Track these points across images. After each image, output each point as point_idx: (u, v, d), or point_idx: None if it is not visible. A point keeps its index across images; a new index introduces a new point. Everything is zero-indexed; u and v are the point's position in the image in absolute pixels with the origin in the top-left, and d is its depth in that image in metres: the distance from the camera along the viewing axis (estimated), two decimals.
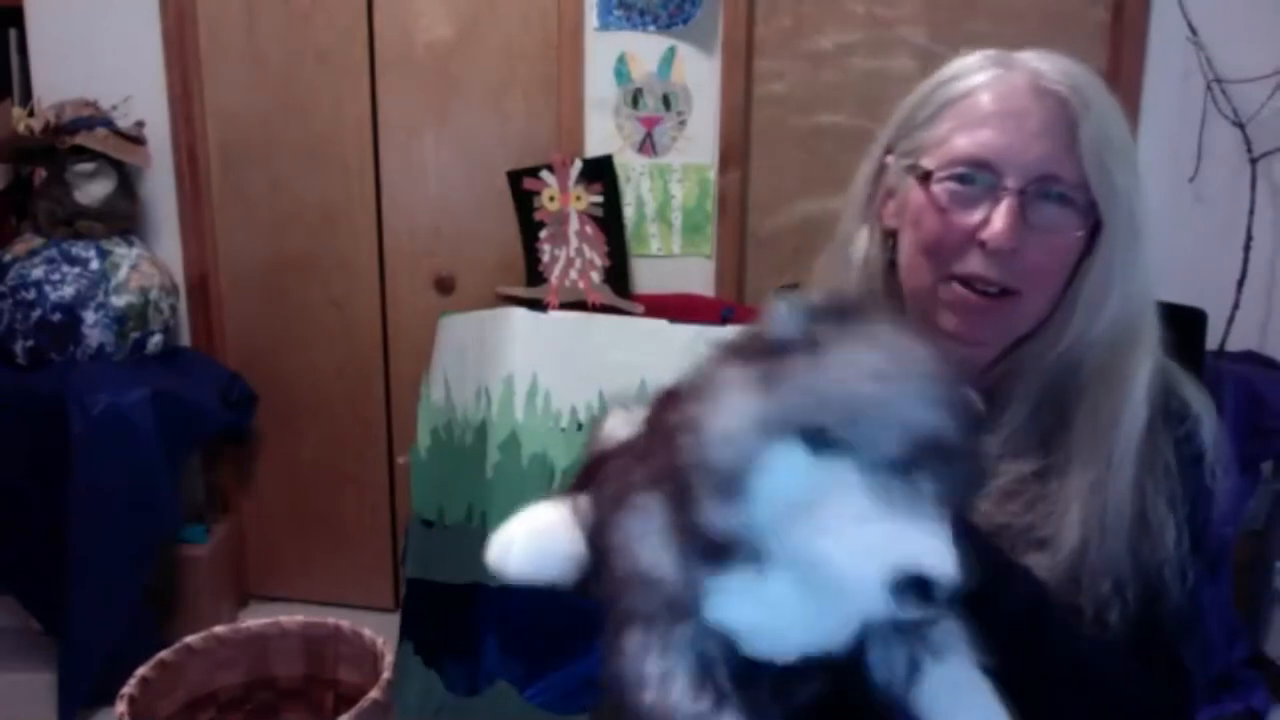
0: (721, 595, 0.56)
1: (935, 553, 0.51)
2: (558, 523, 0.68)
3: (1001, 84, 0.84)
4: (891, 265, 0.91)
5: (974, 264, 0.83)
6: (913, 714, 0.61)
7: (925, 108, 0.88)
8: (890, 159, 0.91)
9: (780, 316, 0.56)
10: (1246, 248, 2.35)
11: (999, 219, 0.81)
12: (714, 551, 0.55)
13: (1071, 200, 0.81)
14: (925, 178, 0.85)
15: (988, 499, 0.82)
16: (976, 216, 0.83)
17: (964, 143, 0.84)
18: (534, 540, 0.70)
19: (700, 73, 2.53)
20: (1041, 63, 0.84)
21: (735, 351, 0.57)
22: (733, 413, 0.54)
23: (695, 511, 0.55)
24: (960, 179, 0.83)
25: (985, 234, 0.82)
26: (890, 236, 0.91)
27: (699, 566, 0.56)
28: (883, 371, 0.53)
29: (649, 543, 0.58)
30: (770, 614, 0.56)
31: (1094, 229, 0.83)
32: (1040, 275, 0.83)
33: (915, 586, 0.50)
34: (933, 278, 0.86)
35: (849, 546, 0.51)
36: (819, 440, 0.52)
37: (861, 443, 0.52)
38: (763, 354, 0.55)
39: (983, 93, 0.84)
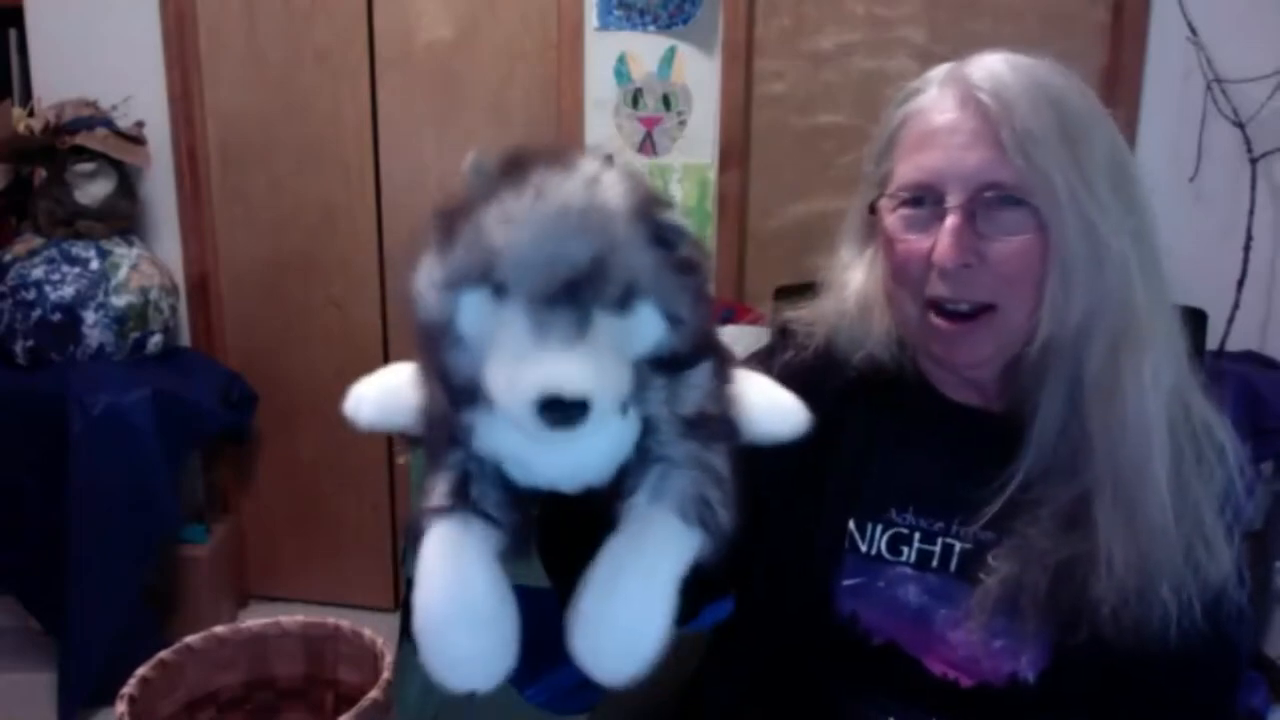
0: (476, 430, 0.62)
1: (564, 371, 0.54)
2: (407, 379, 0.71)
3: (933, 104, 0.85)
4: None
5: (937, 287, 0.83)
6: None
7: (880, 139, 0.90)
8: (866, 190, 0.92)
9: (467, 174, 0.61)
10: (1246, 248, 2.35)
11: (943, 239, 0.81)
12: (461, 394, 0.61)
13: (1020, 201, 0.81)
14: (884, 207, 0.87)
15: (1045, 534, 0.81)
16: (928, 240, 0.83)
17: (906, 170, 0.85)
18: (384, 395, 0.75)
19: (700, 73, 2.53)
20: (978, 70, 0.84)
21: (436, 214, 0.62)
22: (423, 278, 0.61)
23: (435, 362, 0.62)
24: (909, 203, 0.85)
25: (935, 255, 0.82)
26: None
27: (458, 407, 0.62)
28: (524, 212, 0.57)
29: (431, 392, 0.65)
30: (509, 444, 0.61)
31: (1044, 228, 0.81)
32: (1010, 282, 0.82)
33: (558, 408, 0.54)
34: (910, 305, 0.86)
35: (502, 380, 0.56)
36: (493, 282, 0.57)
37: (518, 284, 0.56)
38: (454, 213, 0.61)
39: (918, 116, 0.86)
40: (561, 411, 0.54)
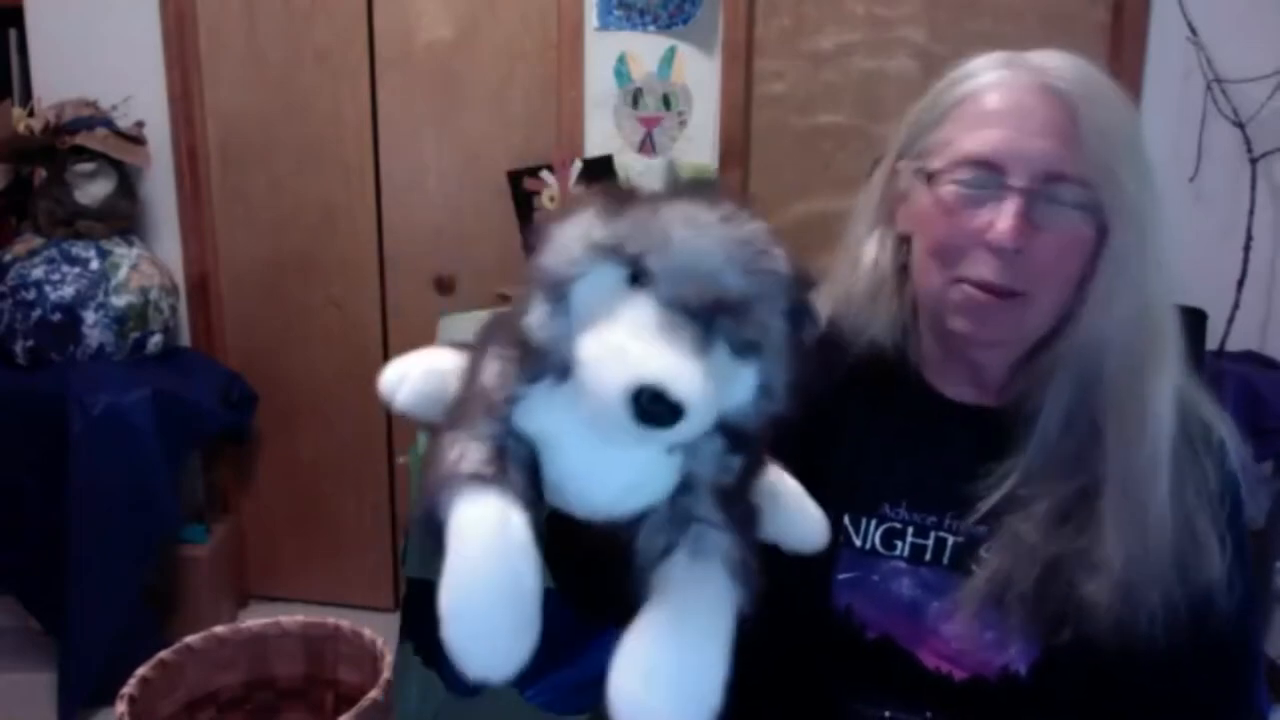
0: (527, 402, 0.60)
1: (680, 374, 0.53)
2: (452, 368, 0.69)
3: (1006, 83, 0.83)
4: (903, 269, 0.90)
5: (982, 267, 0.82)
6: (642, 594, 0.61)
7: (932, 110, 0.87)
8: (902, 164, 0.90)
9: (662, 172, 0.62)
10: (1246, 248, 2.35)
11: (1004, 219, 0.80)
12: (530, 360, 0.60)
13: (1078, 200, 0.80)
14: (931, 179, 0.85)
15: (1037, 529, 0.81)
16: (982, 217, 0.82)
17: (969, 143, 0.83)
18: (427, 380, 0.71)
19: (700, 73, 2.53)
20: (1048, 60, 0.83)
21: (611, 188, 0.62)
22: (573, 229, 0.59)
23: (523, 315, 0.60)
24: (966, 180, 0.83)
25: (991, 234, 0.81)
26: (905, 241, 0.90)
27: (517, 376, 0.60)
28: (706, 226, 0.58)
29: (489, 361, 0.63)
30: (557, 424, 0.59)
31: (1102, 229, 0.81)
32: (1047, 276, 0.82)
33: (655, 404, 0.52)
34: (941, 280, 0.85)
35: (603, 350, 0.54)
36: (637, 270, 0.57)
37: (668, 280, 0.56)
38: (630, 194, 0.61)
39: (988, 93, 0.84)
40: (656, 407, 0.52)
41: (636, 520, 0.62)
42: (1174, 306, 0.85)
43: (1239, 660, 0.87)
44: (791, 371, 0.61)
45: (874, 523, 0.91)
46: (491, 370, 0.62)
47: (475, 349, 0.65)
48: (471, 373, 0.64)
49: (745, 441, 0.63)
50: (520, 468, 0.60)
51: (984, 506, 0.85)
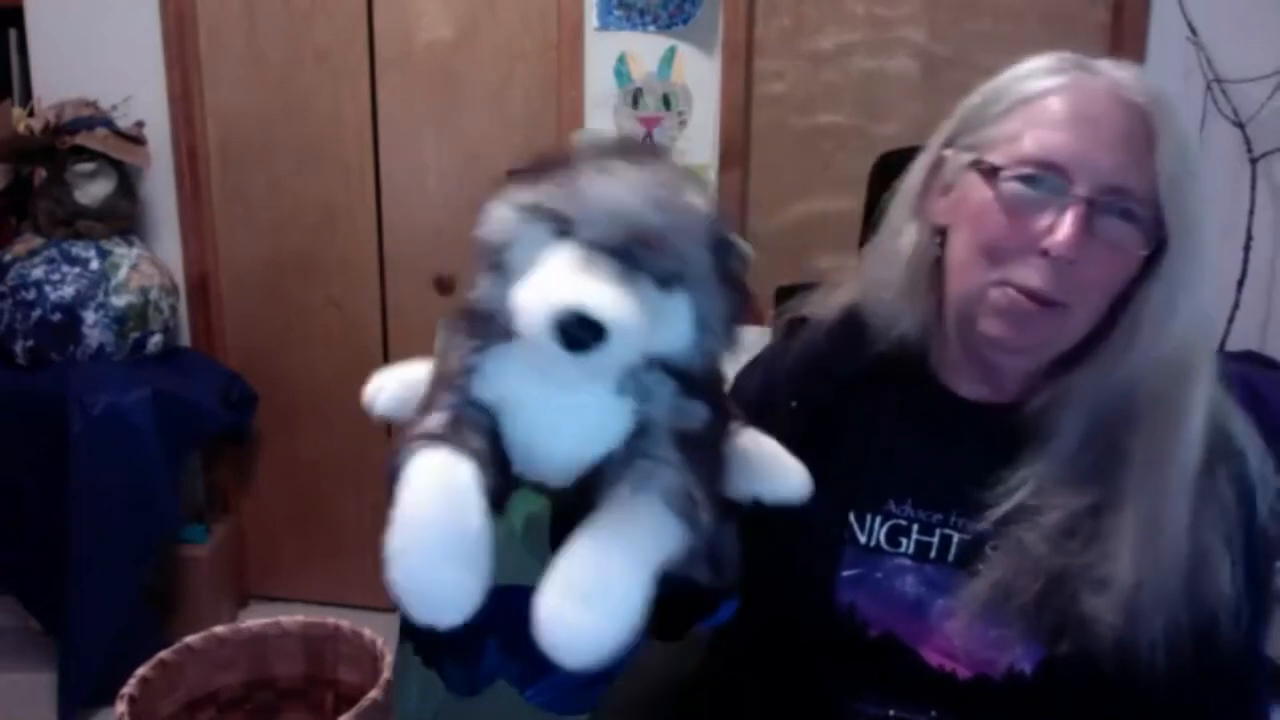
0: (482, 371, 0.63)
1: (597, 296, 0.56)
2: (426, 375, 0.71)
3: (1079, 88, 0.81)
4: (937, 262, 0.89)
5: (1031, 273, 0.80)
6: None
7: (996, 103, 0.85)
8: (949, 153, 0.88)
9: (580, 140, 0.65)
10: (1246, 248, 2.35)
11: (1065, 227, 0.78)
12: (478, 328, 0.64)
13: (1139, 216, 0.79)
14: (991, 174, 0.82)
15: (1044, 540, 0.81)
16: (1041, 222, 0.80)
17: (1035, 143, 0.81)
18: (403, 386, 0.75)
19: (700, 73, 2.53)
20: (1121, 72, 0.82)
21: (537, 154, 0.66)
22: (502, 200, 0.64)
23: (470, 290, 0.64)
24: (1028, 180, 0.80)
25: (1049, 241, 0.79)
26: (940, 233, 0.88)
27: (471, 347, 0.64)
28: (619, 173, 0.62)
29: (448, 346, 0.66)
30: (510, 386, 0.62)
31: (1156, 248, 0.80)
32: (1091, 290, 0.81)
33: (578, 328, 0.55)
34: (984, 279, 0.83)
35: (531, 293, 0.58)
36: (560, 223, 0.61)
37: (586, 225, 0.60)
38: (553, 159, 0.65)
39: (1059, 95, 0.81)
40: (580, 330, 0.55)
41: (597, 471, 0.64)
42: (1211, 326, 0.85)
43: (1245, 680, 0.86)
44: (725, 302, 0.64)
45: (879, 519, 0.90)
46: (450, 352, 0.66)
47: (439, 346, 0.68)
48: (435, 366, 0.67)
49: (696, 384, 0.65)
50: (478, 433, 0.62)
51: (994, 514, 0.84)
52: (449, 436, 0.61)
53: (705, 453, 0.66)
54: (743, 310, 0.65)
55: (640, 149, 0.65)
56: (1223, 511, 0.81)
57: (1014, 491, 0.83)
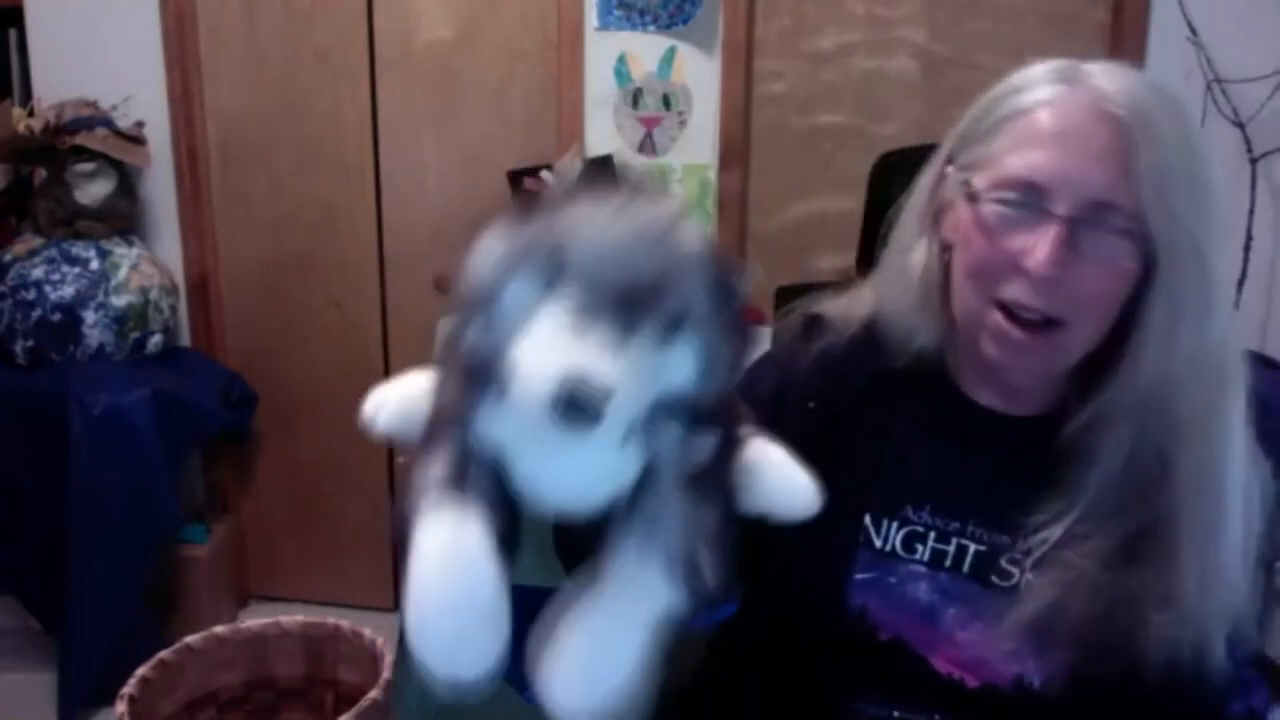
0: (481, 414, 0.61)
1: (595, 368, 0.54)
2: (426, 389, 0.71)
3: (1062, 103, 0.80)
4: (948, 276, 0.89)
5: (1017, 290, 0.80)
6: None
7: (984, 120, 0.85)
8: (950, 170, 0.88)
9: (557, 173, 0.62)
10: (1246, 248, 2.35)
11: (1042, 247, 0.78)
12: (474, 374, 0.61)
13: (1126, 230, 0.78)
14: (975, 196, 0.83)
15: (1099, 564, 0.80)
16: (1020, 241, 0.80)
17: (1016, 163, 0.81)
18: (403, 403, 0.75)
19: (700, 73, 2.53)
20: (1109, 82, 0.80)
21: (515, 196, 0.63)
22: (485, 246, 0.62)
23: (458, 333, 0.62)
24: (1008, 201, 0.80)
25: (1028, 261, 0.79)
26: (948, 250, 0.89)
27: (467, 390, 0.62)
28: (608, 217, 0.59)
29: (447, 379, 0.65)
30: (508, 434, 0.61)
31: (1150, 262, 0.79)
32: (1088, 305, 0.80)
33: (573, 402, 0.54)
34: (978, 301, 0.83)
35: (527, 360, 0.57)
36: (548, 274, 0.58)
37: (578, 278, 0.57)
38: (532, 199, 0.63)
39: (1042, 110, 0.81)
40: (577, 406, 0.54)
41: (606, 513, 0.63)
42: (1240, 341, 0.84)
43: (1239, 687, 0.86)
44: (729, 340, 0.62)
45: (895, 525, 0.90)
46: (449, 387, 0.64)
47: (437, 370, 0.68)
48: (436, 393, 0.66)
49: (705, 420, 0.64)
50: (484, 474, 0.61)
51: (1040, 542, 0.83)
52: (456, 488, 0.60)
53: (715, 481, 0.65)
54: (747, 344, 0.64)
55: (626, 180, 0.63)
56: (1249, 518, 0.82)
57: (1062, 518, 0.83)
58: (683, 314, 0.59)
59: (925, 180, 0.91)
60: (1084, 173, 0.78)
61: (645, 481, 0.63)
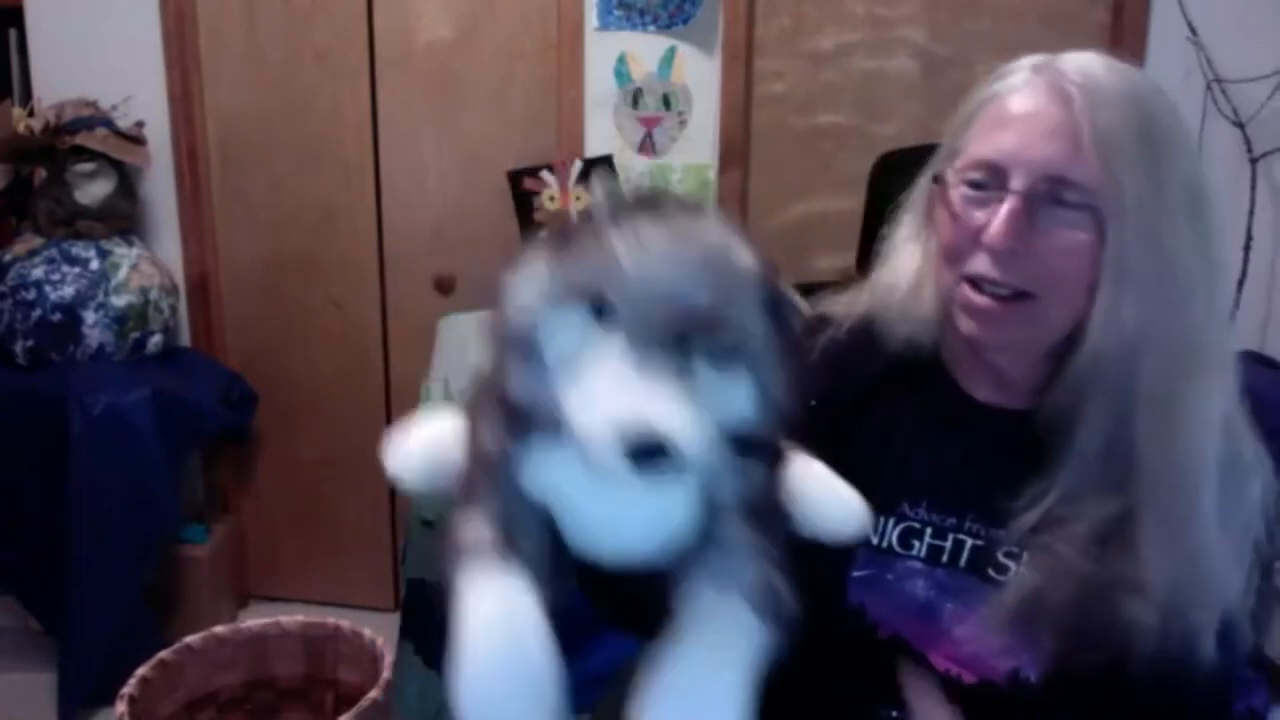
0: (528, 462, 0.59)
1: (665, 412, 0.52)
2: (452, 435, 0.68)
3: (1029, 86, 0.84)
4: None
5: (980, 264, 0.83)
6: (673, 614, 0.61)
7: (962, 114, 0.88)
8: (939, 168, 0.90)
9: (596, 196, 0.59)
10: (1246, 248, 2.35)
11: (997, 219, 0.81)
12: (520, 419, 0.58)
13: (1079, 203, 0.80)
14: (945, 183, 0.86)
15: (1077, 549, 0.80)
16: (982, 218, 0.83)
17: (980, 147, 0.84)
18: (430, 453, 0.71)
19: (700, 73, 2.53)
20: (1071, 62, 0.83)
21: (552, 226, 0.61)
22: (526, 280, 0.58)
23: (498, 376, 0.59)
24: (972, 182, 0.84)
25: (985, 234, 0.81)
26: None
27: (511, 436, 0.59)
28: (657, 245, 0.56)
29: (483, 427, 0.62)
30: (560, 479, 0.58)
31: (1102, 233, 0.80)
32: (1055, 278, 0.82)
33: (644, 448, 0.51)
34: (949, 280, 0.86)
35: (590, 405, 0.53)
36: (600, 308, 0.55)
37: (631, 312, 0.54)
38: (572, 229, 0.59)
39: (1010, 96, 0.84)
40: (650, 452, 0.51)
41: (667, 554, 0.61)
42: (1230, 337, 0.84)
43: (1231, 683, 0.86)
44: (785, 367, 0.60)
45: (892, 521, 0.90)
46: (487, 436, 0.61)
47: (470, 414, 0.65)
48: (471, 442, 0.63)
49: (759, 448, 0.61)
50: (530, 532, 0.59)
51: (1021, 525, 0.84)
52: (502, 551, 0.57)
53: (772, 510, 0.64)
54: (802, 368, 0.61)
55: (669, 202, 0.59)
56: (1240, 515, 0.82)
57: (1039, 501, 0.83)
58: (740, 341, 0.57)
59: (922, 182, 0.94)
60: (1038, 148, 0.81)
61: (708, 521, 0.61)
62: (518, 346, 0.58)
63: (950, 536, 0.89)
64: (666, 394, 0.53)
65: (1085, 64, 0.83)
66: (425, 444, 0.72)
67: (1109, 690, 0.81)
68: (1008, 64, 0.87)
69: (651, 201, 0.59)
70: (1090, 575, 0.80)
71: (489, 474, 0.60)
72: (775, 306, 0.59)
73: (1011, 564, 0.86)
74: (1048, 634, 0.82)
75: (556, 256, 0.58)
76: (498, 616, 0.56)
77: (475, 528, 0.59)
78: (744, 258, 0.58)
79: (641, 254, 0.55)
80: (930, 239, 0.91)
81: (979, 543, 0.88)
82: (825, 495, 0.70)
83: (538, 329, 0.57)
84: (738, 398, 0.58)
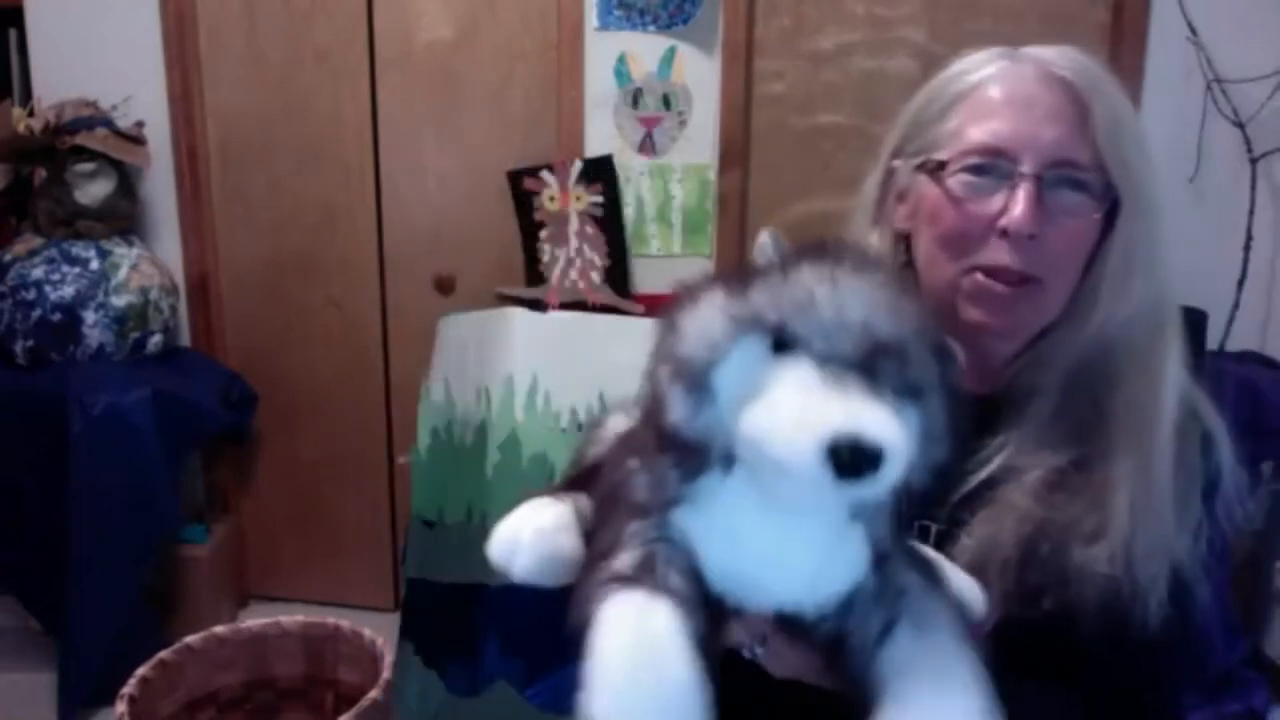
0: (688, 504, 0.58)
1: (870, 418, 0.51)
2: (563, 523, 0.68)
3: (1009, 74, 0.84)
4: (905, 267, 0.91)
5: (997, 253, 0.82)
6: (874, 681, 0.59)
7: (934, 104, 0.88)
8: (898, 163, 0.90)
9: (762, 245, 0.60)
10: (1246, 248, 2.35)
11: (1019, 204, 0.80)
12: (688, 458, 0.57)
13: (1087, 184, 0.81)
14: (939, 170, 0.85)
15: (1028, 495, 0.81)
16: (995, 205, 0.82)
17: (977, 133, 0.83)
18: (540, 540, 0.68)
19: (700, 73, 2.53)
20: (1046, 52, 0.84)
21: (718, 275, 0.61)
22: (704, 312, 0.58)
23: (667, 414, 0.57)
24: (976, 169, 0.83)
25: (1006, 220, 0.81)
26: (903, 240, 0.91)
27: (674, 479, 0.58)
28: (842, 279, 0.56)
29: (631, 484, 0.60)
30: (730, 517, 0.57)
31: (1111, 212, 0.82)
32: (1060, 262, 0.83)
33: (853, 457, 0.49)
34: (953, 271, 0.85)
35: (778, 418, 0.52)
36: (782, 338, 0.55)
37: (818, 339, 0.54)
38: (746, 271, 0.59)
39: (991, 84, 0.84)
40: (855, 459, 0.49)
41: (841, 606, 0.59)
42: (1177, 303, 0.86)
43: (1180, 656, 0.86)
44: (950, 412, 0.59)
45: None
46: (638, 487, 0.60)
47: (612, 466, 0.64)
48: (616, 486, 0.62)
49: (913, 494, 0.59)
50: (676, 570, 0.57)
51: (976, 480, 0.84)
52: (643, 577, 0.56)
53: (921, 558, 0.63)
54: (964, 417, 0.60)
55: (844, 252, 0.59)
56: (1190, 475, 0.82)
57: (994, 457, 0.84)
58: (921, 380, 0.56)
59: (872, 178, 0.94)
60: (1041, 133, 0.81)
61: (883, 567, 0.60)
62: (690, 380, 0.56)
63: (915, 524, 0.89)
64: (870, 404, 0.52)
65: (1062, 53, 0.84)
66: (533, 532, 0.70)
67: (1057, 643, 0.81)
68: (964, 59, 0.88)
69: (824, 248, 0.59)
70: (1041, 520, 0.81)
71: (637, 517, 0.59)
72: (942, 354, 0.59)
73: (970, 541, 0.86)
74: (997, 579, 0.82)
75: (733, 293, 0.58)
76: (633, 631, 0.54)
77: (616, 563, 0.57)
78: (914, 305, 0.58)
79: (827, 285, 0.56)
80: (886, 237, 0.92)
81: (941, 527, 0.88)
82: (951, 571, 0.69)
83: (715, 360, 0.56)
84: (911, 439, 0.56)
